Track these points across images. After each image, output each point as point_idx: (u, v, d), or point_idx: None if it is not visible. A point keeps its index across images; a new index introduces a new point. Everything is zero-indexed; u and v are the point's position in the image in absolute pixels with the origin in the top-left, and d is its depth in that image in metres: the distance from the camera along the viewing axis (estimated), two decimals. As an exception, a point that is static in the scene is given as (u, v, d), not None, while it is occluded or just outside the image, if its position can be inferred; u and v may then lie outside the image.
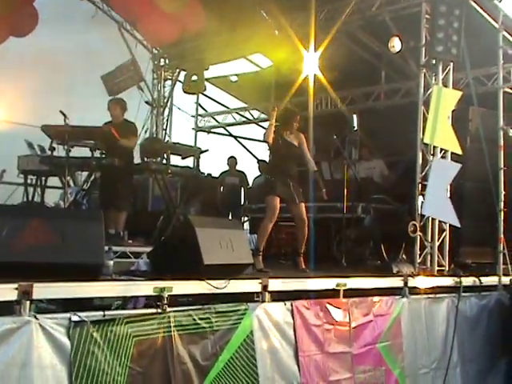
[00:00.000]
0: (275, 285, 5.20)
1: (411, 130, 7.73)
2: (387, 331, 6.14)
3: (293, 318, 5.21)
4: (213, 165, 11.94)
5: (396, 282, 6.52)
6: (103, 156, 7.69)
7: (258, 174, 11.84)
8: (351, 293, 5.90)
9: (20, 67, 10.51)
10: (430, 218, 7.43)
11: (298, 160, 6.92)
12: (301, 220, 6.73)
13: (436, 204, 7.27)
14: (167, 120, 13.66)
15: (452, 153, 7.49)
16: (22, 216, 4.17)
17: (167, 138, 13.22)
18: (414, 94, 9.06)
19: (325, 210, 8.40)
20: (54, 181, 9.11)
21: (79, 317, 3.81)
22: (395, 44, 7.95)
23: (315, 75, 9.21)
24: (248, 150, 14.18)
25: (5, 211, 4.33)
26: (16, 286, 3.61)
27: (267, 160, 9.24)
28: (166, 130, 13.60)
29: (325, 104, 12.37)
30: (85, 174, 8.62)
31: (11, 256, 3.84)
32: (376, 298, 6.13)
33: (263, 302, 5.06)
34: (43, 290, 3.74)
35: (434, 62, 7.61)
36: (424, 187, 7.34)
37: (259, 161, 12.40)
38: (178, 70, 13.37)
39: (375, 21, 9.29)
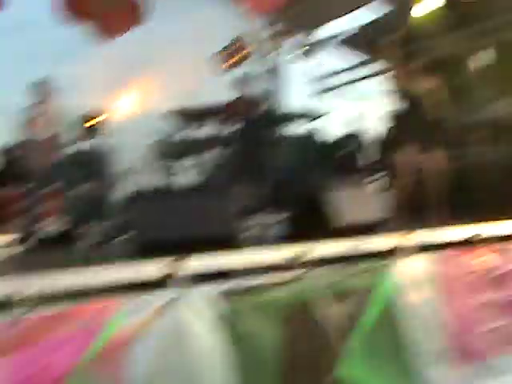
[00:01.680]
0: (417, 237, 5.08)
1: None
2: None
3: (438, 269, 5.08)
4: (334, 128, 11.83)
5: None
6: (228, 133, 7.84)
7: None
8: (497, 240, 5.64)
9: (134, 59, 10.86)
10: None
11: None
12: (433, 170, 6.51)
13: None
14: (284, 88, 13.62)
15: None
16: (160, 197, 4.37)
17: (286, 106, 13.20)
18: None
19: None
20: (184, 163, 9.38)
21: (226, 288, 3.94)
22: None
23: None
24: (371, 108, 13.88)
25: (144, 195, 4.55)
26: (164, 262, 3.81)
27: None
28: (283, 98, 13.56)
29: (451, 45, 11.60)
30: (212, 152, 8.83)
31: (156, 235, 4.03)
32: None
33: (405, 256, 4.97)
34: (189, 264, 3.90)
35: None
36: None
37: (390, 112, 12.08)
38: (292, 35, 13.26)
39: None
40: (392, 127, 7.07)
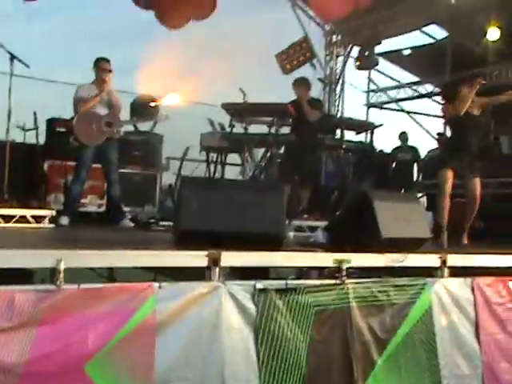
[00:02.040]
0: (455, 260, 5.08)
1: None
2: None
3: (473, 295, 5.05)
4: (385, 140, 11.83)
5: None
6: (281, 133, 7.92)
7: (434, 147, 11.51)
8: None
9: (200, 50, 11.04)
10: None
11: (480, 131, 6.63)
12: (472, 195, 6.47)
13: None
14: (339, 96, 13.71)
15: None
16: (208, 188, 4.44)
17: (340, 114, 13.27)
18: None
19: (506, 185, 8.07)
20: (233, 158, 9.52)
21: (263, 285, 4.00)
22: None
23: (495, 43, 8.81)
24: (421, 126, 13.84)
25: (193, 183, 4.62)
26: (206, 253, 3.87)
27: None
28: (338, 106, 13.66)
29: (505, 73, 11.65)
30: (262, 150, 8.92)
31: (200, 225, 4.10)
32: None
33: (442, 277, 4.98)
34: (230, 258, 3.96)
35: None
36: None
37: (439, 134, 12.06)
38: (350, 46, 13.36)
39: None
40: (441, 147, 7.04)
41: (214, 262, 3.89)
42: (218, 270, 3.89)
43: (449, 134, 7.23)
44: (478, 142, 6.61)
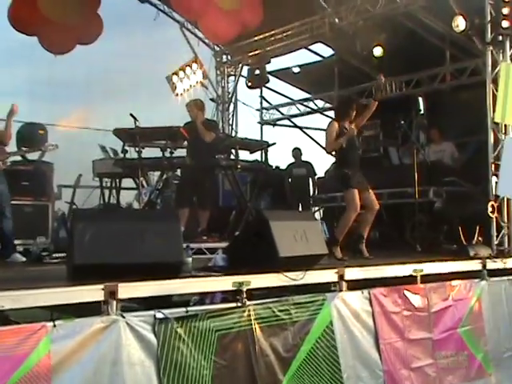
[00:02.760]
0: (352, 274, 5.22)
1: (480, 110, 7.58)
2: (468, 315, 6.05)
3: (371, 306, 5.21)
4: (280, 157, 12.01)
5: (474, 265, 6.42)
6: (174, 156, 7.86)
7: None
8: (428, 278, 5.84)
9: (88, 73, 10.84)
10: (505, 198, 7.27)
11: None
12: (373, 207, 6.71)
13: (511, 183, 7.10)
14: (233, 115, 13.81)
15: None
16: (102, 219, 4.33)
17: (234, 134, 13.35)
18: (481, 73, 8.85)
19: (396, 195, 8.38)
20: (127, 182, 9.37)
21: (163, 314, 3.93)
22: (459, 23, 7.77)
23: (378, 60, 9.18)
24: (314, 140, 14.15)
25: (85, 215, 4.50)
26: (102, 286, 3.76)
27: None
28: (232, 125, 13.75)
29: (389, 88, 12.14)
30: (157, 173, 8.84)
31: (95, 258, 3.99)
32: (454, 282, 6.04)
33: (340, 291, 5.09)
34: (128, 290, 3.88)
35: (500, 38, 7.40)
36: (497, 167, 7.19)
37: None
38: (240, 66, 13.49)
39: (437, 1, 9.11)
40: (335, 163, 7.24)
41: (111, 294, 3.79)
42: (115, 302, 3.79)
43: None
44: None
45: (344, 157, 6.78)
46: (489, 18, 7.41)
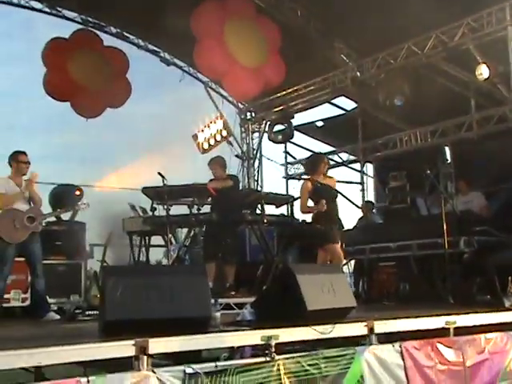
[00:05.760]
0: (381, 327, 5.16)
1: (509, 156, 7.54)
2: (506, 369, 5.83)
3: (403, 360, 5.10)
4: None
5: (510, 316, 6.25)
6: (201, 212, 7.95)
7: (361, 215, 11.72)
8: (461, 331, 5.71)
9: (118, 135, 11.13)
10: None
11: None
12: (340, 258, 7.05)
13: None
14: (258, 171, 13.96)
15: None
16: (131, 275, 4.39)
17: (259, 189, 13.45)
18: (508, 120, 8.85)
19: (425, 246, 8.29)
20: (157, 239, 9.45)
21: (193, 369, 3.93)
22: (483, 71, 7.86)
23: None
24: (340, 193, 14.12)
25: (116, 272, 4.56)
26: (133, 342, 3.79)
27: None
28: (257, 180, 13.88)
29: (414, 139, 12.14)
30: (185, 230, 8.91)
31: (125, 314, 4.03)
32: (490, 335, 5.83)
33: (371, 344, 5.02)
34: (158, 345, 3.90)
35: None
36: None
37: (367, 202, 12.38)
38: (264, 122, 13.69)
39: (459, 50, 9.22)
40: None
41: (142, 350, 3.81)
42: (146, 358, 3.81)
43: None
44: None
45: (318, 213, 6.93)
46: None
